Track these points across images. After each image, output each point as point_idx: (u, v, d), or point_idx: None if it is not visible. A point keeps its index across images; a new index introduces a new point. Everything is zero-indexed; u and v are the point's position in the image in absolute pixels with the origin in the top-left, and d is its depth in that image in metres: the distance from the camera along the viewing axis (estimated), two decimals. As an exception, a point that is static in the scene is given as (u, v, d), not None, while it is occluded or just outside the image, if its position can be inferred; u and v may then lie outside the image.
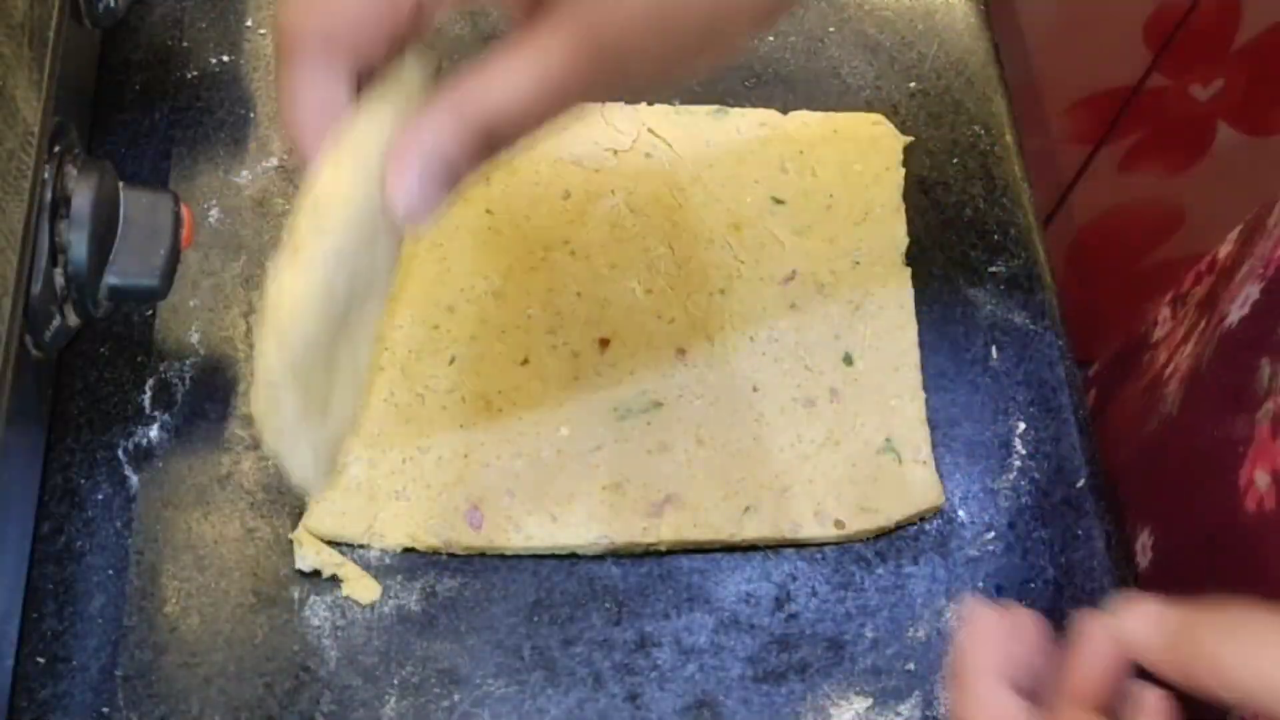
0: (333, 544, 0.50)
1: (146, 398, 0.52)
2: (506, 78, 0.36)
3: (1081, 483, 0.54)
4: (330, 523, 0.50)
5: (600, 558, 0.51)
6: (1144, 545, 0.58)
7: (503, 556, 0.50)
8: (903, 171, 0.59)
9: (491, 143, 0.37)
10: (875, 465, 0.52)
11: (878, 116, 0.60)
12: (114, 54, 0.59)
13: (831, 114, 0.60)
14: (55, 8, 0.49)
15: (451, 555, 0.50)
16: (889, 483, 0.52)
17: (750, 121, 0.59)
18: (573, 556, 0.51)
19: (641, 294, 0.55)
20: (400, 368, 0.52)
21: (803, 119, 0.60)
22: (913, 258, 0.57)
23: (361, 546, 0.50)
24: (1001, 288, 0.57)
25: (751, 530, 0.51)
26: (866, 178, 0.57)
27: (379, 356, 0.52)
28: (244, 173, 0.57)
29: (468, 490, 0.50)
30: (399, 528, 0.50)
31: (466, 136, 0.36)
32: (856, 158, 0.58)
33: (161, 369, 0.52)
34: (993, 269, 0.58)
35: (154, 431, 0.51)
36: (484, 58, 0.37)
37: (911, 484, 0.52)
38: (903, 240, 0.57)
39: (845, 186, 0.58)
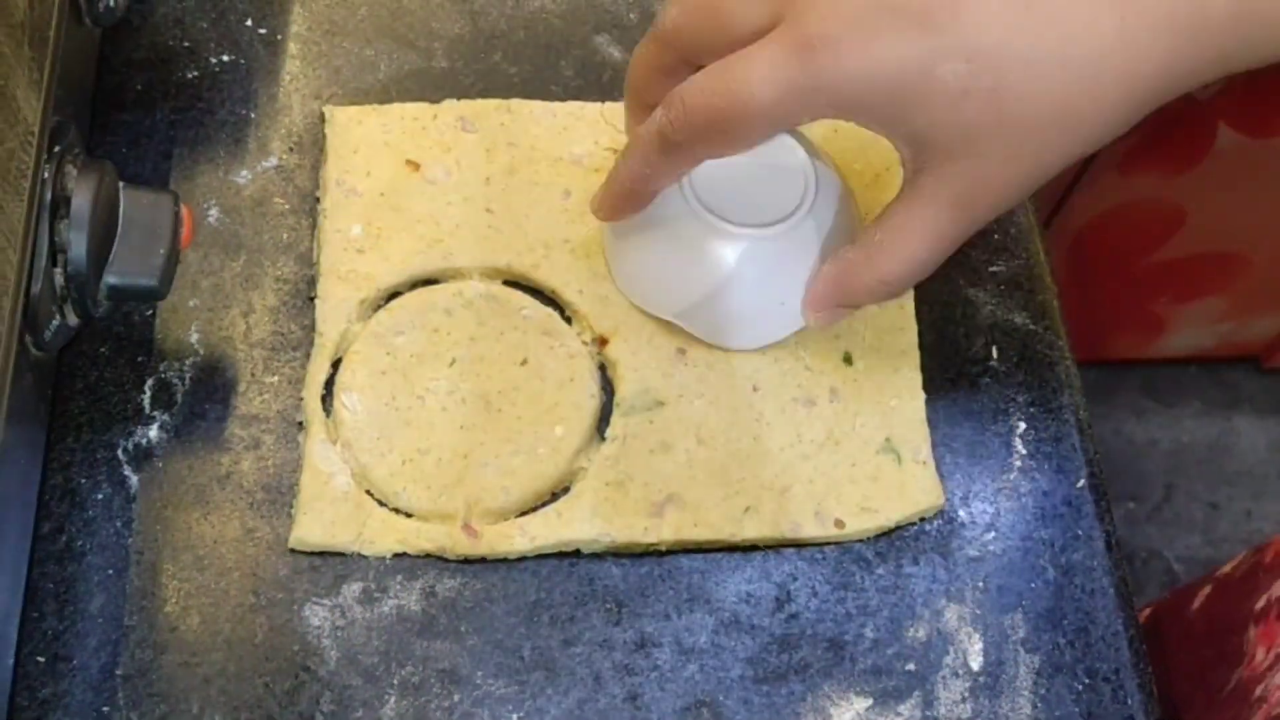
0: (324, 554, 0.50)
1: (146, 398, 0.52)
2: (897, 254, 0.47)
3: (1082, 483, 0.54)
4: (320, 532, 0.49)
5: (600, 557, 0.51)
6: None
7: (503, 558, 0.50)
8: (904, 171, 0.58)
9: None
10: (875, 465, 0.52)
11: None
12: (115, 53, 0.59)
13: None
14: (55, 7, 0.49)
15: (451, 557, 0.50)
16: (889, 483, 0.52)
17: None
18: (573, 556, 0.51)
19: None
20: (403, 372, 0.52)
21: None
22: (913, 258, 0.57)
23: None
24: (1002, 288, 0.57)
25: (752, 530, 0.51)
26: (867, 177, 0.57)
27: (381, 361, 0.52)
28: (244, 173, 0.57)
29: (466, 490, 0.50)
30: (389, 534, 0.50)
31: (862, 300, 0.50)
32: (856, 157, 0.58)
33: (161, 369, 0.53)
34: (993, 269, 0.58)
35: (154, 431, 0.51)
36: (877, 224, 0.48)
37: (912, 484, 0.52)
38: None
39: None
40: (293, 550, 0.50)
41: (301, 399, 0.52)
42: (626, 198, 0.51)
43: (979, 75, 0.42)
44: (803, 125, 0.52)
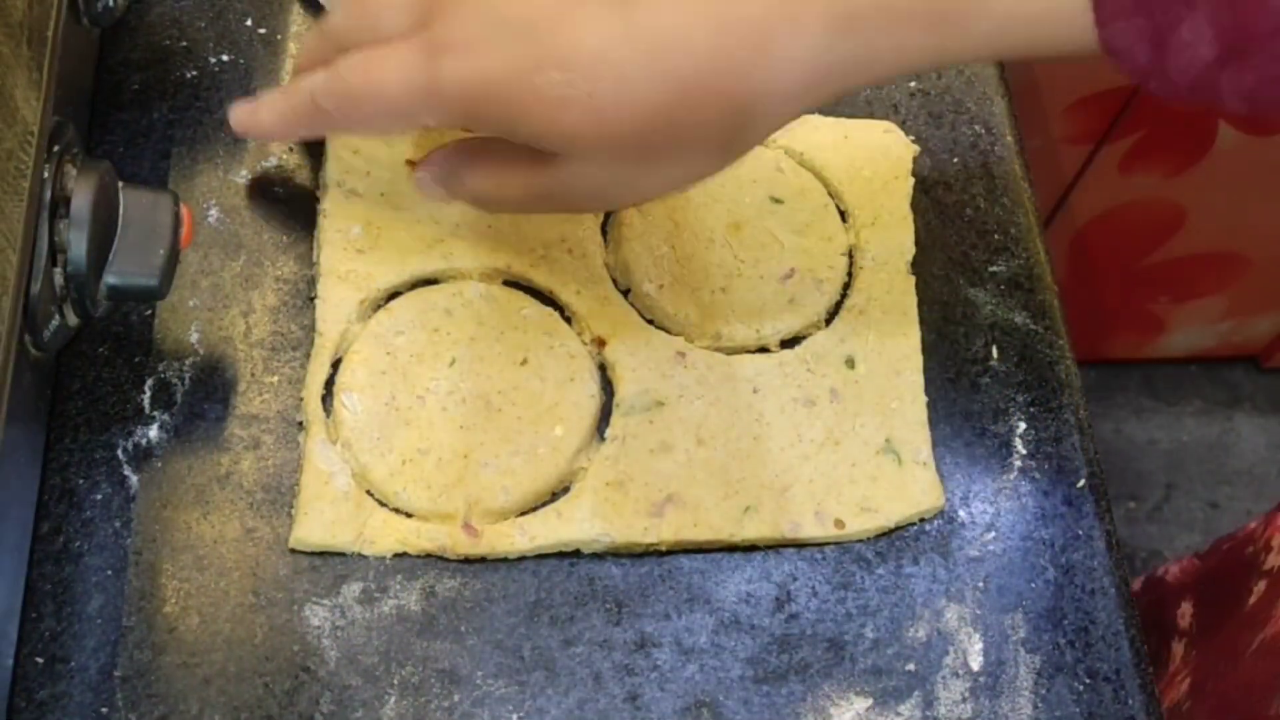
0: (324, 554, 0.50)
1: (146, 397, 0.52)
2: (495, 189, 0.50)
3: (1082, 483, 0.54)
4: (320, 532, 0.49)
5: (600, 557, 0.51)
6: None
7: (503, 558, 0.50)
8: (912, 181, 0.58)
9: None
10: (875, 465, 0.52)
11: (889, 124, 0.60)
12: (113, 53, 0.59)
13: (842, 120, 0.59)
14: (54, 7, 0.49)
15: (451, 557, 0.50)
16: (889, 483, 0.52)
17: None
18: (573, 555, 0.51)
19: (642, 293, 0.55)
20: (402, 372, 0.52)
21: (814, 123, 0.60)
22: (913, 258, 0.57)
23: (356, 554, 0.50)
24: (1002, 288, 0.57)
25: (752, 530, 0.51)
26: (875, 184, 0.57)
27: (381, 361, 0.52)
28: (243, 172, 0.57)
29: (466, 490, 0.50)
30: (389, 534, 0.50)
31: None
32: (865, 163, 0.58)
33: (161, 369, 0.52)
34: (993, 269, 0.58)
35: (153, 431, 0.51)
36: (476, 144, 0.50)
37: (912, 484, 0.52)
38: (909, 249, 0.57)
39: (853, 191, 0.58)
40: (293, 550, 0.50)
41: (301, 399, 0.52)
42: (266, 129, 0.52)
43: (574, 84, 0.43)
44: (468, 128, 0.52)
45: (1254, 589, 0.67)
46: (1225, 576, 0.70)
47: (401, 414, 0.51)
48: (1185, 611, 0.73)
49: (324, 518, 0.50)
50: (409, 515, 0.50)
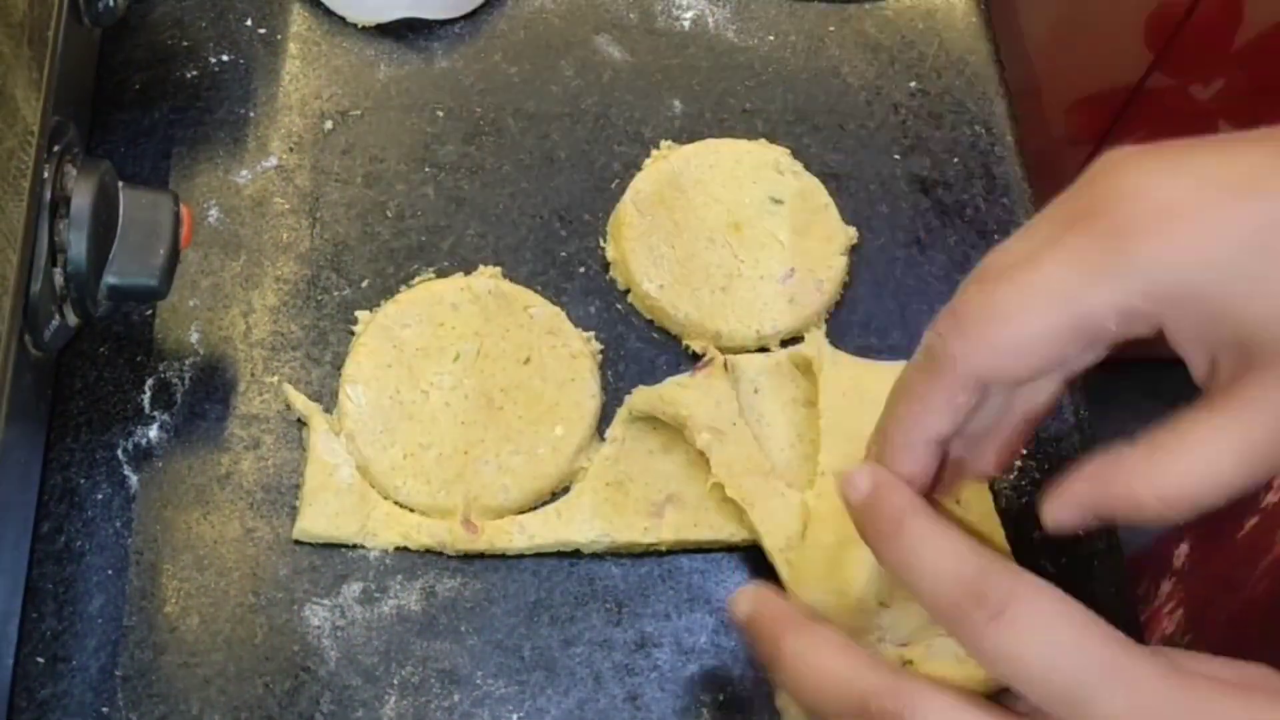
0: (328, 546, 0.50)
1: (146, 397, 0.52)
2: (1192, 465, 0.36)
3: (1082, 483, 0.54)
4: (324, 523, 0.49)
5: (600, 557, 0.51)
6: None
7: (503, 556, 0.50)
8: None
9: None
10: (876, 465, 0.52)
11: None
12: (114, 53, 0.59)
13: None
14: (55, 7, 0.49)
15: (451, 555, 0.50)
16: (889, 483, 0.52)
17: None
18: (573, 555, 0.51)
19: (642, 293, 0.55)
20: (408, 365, 0.52)
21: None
22: (913, 258, 0.57)
23: (357, 546, 0.50)
24: (1002, 287, 0.57)
25: (752, 530, 0.51)
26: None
27: (386, 354, 0.52)
28: (244, 172, 0.57)
29: (466, 486, 0.50)
30: (392, 527, 0.50)
31: (1121, 514, 0.37)
32: None
33: (161, 369, 0.52)
34: (993, 269, 0.58)
35: (153, 431, 0.51)
36: (1173, 426, 0.37)
37: (912, 484, 0.52)
38: None
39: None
40: (296, 542, 0.49)
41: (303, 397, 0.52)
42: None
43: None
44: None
45: (1245, 524, 0.67)
46: (1221, 513, 0.70)
47: (405, 408, 0.51)
48: (1181, 552, 0.73)
49: (328, 509, 0.50)
50: (411, 510, 0.50)
